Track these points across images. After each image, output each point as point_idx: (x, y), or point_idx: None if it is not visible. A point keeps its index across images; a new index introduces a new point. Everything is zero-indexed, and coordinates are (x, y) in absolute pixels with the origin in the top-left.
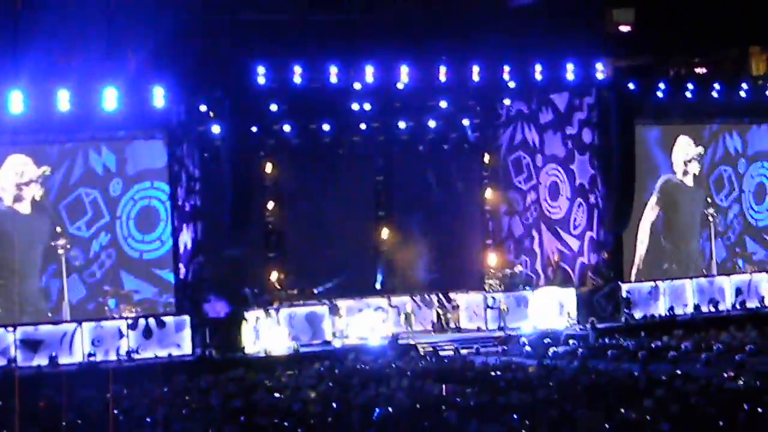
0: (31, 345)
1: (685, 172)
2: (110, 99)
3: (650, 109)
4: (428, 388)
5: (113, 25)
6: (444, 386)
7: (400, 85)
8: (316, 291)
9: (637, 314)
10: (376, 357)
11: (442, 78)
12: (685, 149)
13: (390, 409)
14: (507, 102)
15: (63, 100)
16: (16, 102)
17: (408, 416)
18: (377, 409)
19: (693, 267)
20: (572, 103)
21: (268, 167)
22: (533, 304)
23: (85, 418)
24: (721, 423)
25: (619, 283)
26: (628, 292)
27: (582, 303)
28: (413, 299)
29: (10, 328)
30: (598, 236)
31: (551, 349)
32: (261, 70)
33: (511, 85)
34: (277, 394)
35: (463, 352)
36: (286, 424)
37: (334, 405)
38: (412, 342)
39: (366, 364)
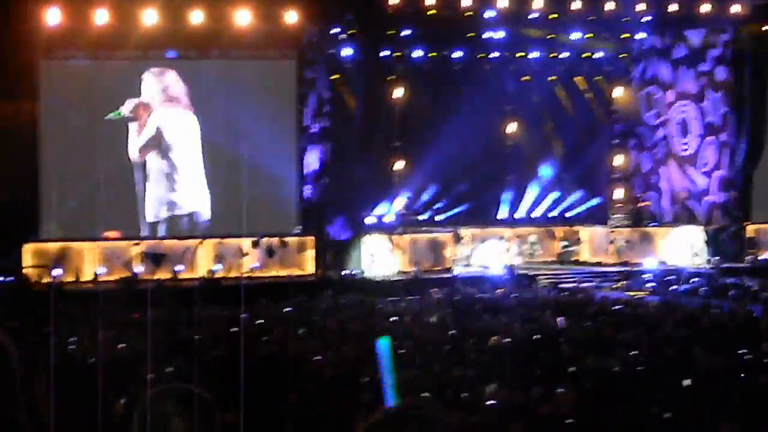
0: (154, 258)
1: None
2: (243, 16)
3: None
4: (546, 319)
5: None
6: (562, 319)
7: (533, 15)
8: None
9: (763, 255)
10: (495, 287)
11: (576, 8)
12: None
13: (508, 339)
14: (640, 36)
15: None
16: (150, 16)
17: (525, 346)
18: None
19: None
20: (707, 40)
21: (398, 91)
22: (658, 241)
23: (204, 333)
24: None
25: (746, 223)
26: (755, 232)
27: (707, 242)
28: (537, 231)
29: (135, 241)
30: (727, 175)
31: (673, 287)
32: None
33: (646, 18)
34: (394, 318)
35: (584, 285)
36: (402, 349)
37: (452, 332)
38: (533, 273)
39: (486, 293)
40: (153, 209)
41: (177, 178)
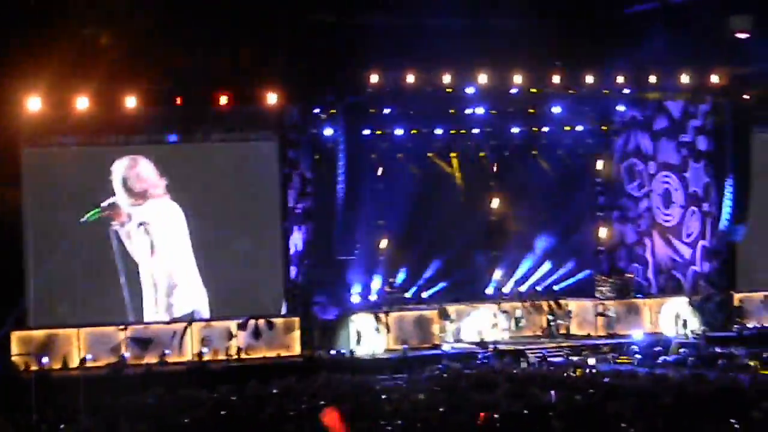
0: (141, 343)
1: None
2: (222, 99)
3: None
4: (535, 394)
5: (225, 23)
6: (554, 393)
7: (513, 90)
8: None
9: (750, 324)
10: (483, 362)
11: (556, 83)
12: None
13: (496, 415)
14: (621, 108)
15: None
16: (131, 103)
17: (515, 422)
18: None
19: None
20: (687, 111)
21: (380, 170)
22: (644, 312)
23: (192, 416)
24: None
25: (732, 292)
26: (740, 301)
27: (693, 312)
28: (524, 305)
29: (122, 326)
30: (711, 245)
31: (661, 357)
32: (374, 73)
33: (626, 91)
34: (384, 397)
35: (573, 358)
36: (389, 428)
37: (441, 409)
38: (520, 348)
39: (474, 368)
40: (151, 314)
41: (172, 279)
